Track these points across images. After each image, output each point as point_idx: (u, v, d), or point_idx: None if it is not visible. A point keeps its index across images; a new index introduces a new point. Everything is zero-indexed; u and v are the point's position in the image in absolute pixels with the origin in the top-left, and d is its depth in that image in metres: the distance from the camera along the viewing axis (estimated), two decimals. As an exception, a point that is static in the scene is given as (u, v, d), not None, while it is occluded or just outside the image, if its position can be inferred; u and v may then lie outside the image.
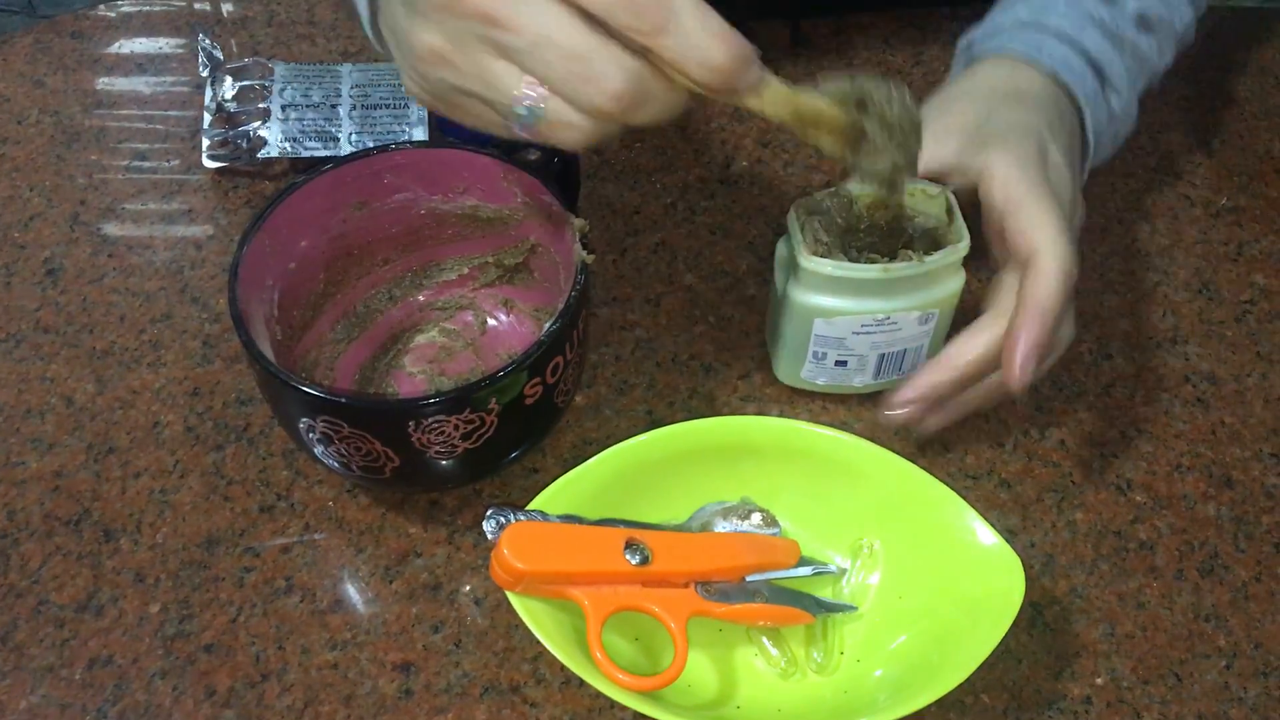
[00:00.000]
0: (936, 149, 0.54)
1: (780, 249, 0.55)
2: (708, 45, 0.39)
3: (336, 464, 0.50)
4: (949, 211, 0.54)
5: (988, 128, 0.55)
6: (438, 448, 0.48)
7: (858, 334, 0.54)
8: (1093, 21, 0.59)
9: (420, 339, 0.60)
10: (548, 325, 0.48)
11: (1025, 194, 0.52)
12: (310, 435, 0.49)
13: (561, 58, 0.39)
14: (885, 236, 0.54)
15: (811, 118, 0.44)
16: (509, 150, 0.55)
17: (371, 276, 0.59)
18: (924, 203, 0.55)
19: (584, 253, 0.51)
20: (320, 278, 0.57)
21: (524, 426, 0.51)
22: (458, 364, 0.59)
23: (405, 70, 0.45)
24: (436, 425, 0.47)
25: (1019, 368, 0.50)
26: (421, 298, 0.60)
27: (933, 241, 0.54)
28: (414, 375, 0.58)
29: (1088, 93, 0.58)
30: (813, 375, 0.57)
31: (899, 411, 0.53)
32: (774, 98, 0.42)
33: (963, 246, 0.53)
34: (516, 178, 0.54)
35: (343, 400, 0.47)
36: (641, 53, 0.39)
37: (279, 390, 0.48)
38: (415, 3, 0.41)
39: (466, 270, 0.60)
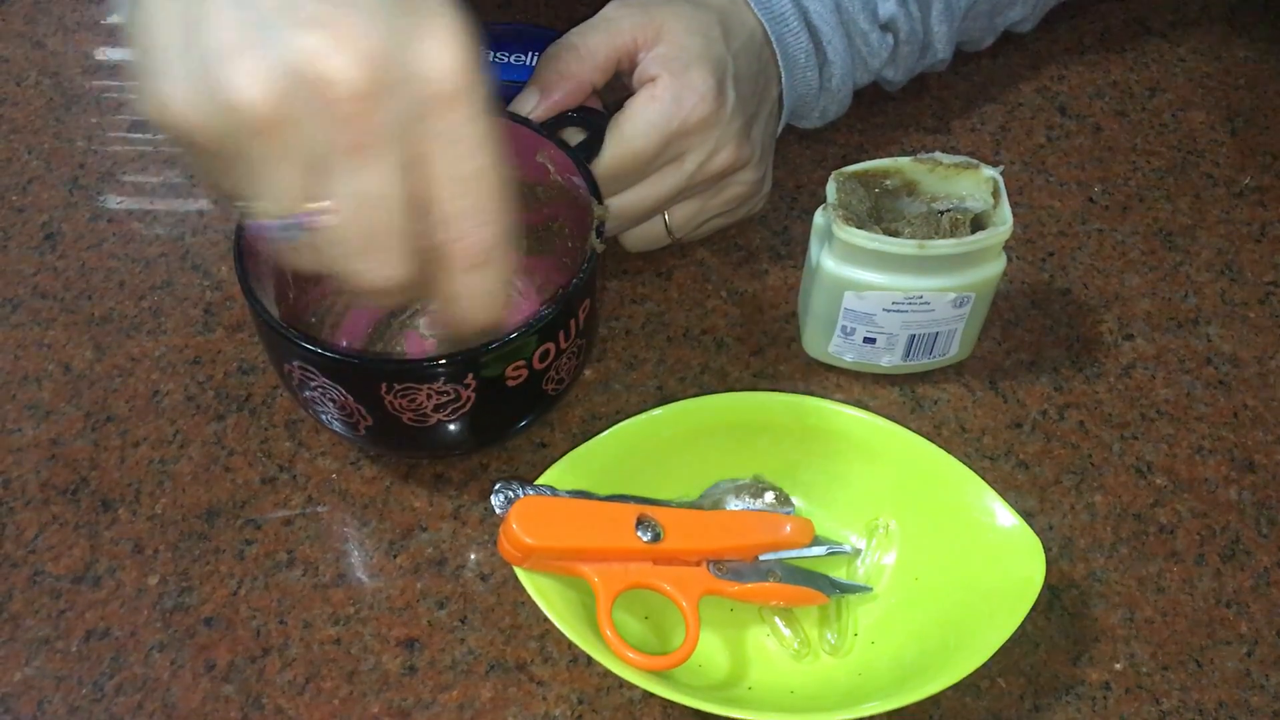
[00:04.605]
0: (614, 38, 0.55)
1: (818, 217, 0.54)
2: (488, 303, 0.40)
3: (320, 413, 0.50)
4: (995, 194, 0.53)
5: (684, 43, 0.55)
6: (410, 414, 0.47)
7: (888, 311, 0.53)
8: None
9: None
10: (540, 311, 0.47)
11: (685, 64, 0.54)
12: (292, 379, 0.48)
13: (368, 222, 0.36)
14: (924, 219, 0.53)
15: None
16: (553, 127, 0.54)
17: None
18: (972, 185, 0.53)
19: (597, 240, 0.49)
20: None
21: (507, 408, 0.50)
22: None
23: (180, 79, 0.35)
24: (408, 391, 0.46)
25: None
26: None
27: (978, 224, 0.53)
28: (425, 337, 0.57)
29: (798, 48, 0.59)
30: (840, 351, 0.56)
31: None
32: None
33: (1004, 230, 0.51)
34: (552, 154, 0.53)
35: (306, 345, 0.46)
36: (422, 258, 0.38)
37: (261, 328, 0.47)
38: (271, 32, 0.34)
39: None
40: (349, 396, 0.47)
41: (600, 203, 0.51)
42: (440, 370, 0.46)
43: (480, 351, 0.46)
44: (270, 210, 0.36)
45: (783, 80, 0.59)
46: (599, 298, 0.52)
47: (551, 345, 0.48)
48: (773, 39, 0.58)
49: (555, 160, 0.53)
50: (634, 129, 0.53)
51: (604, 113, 0.55)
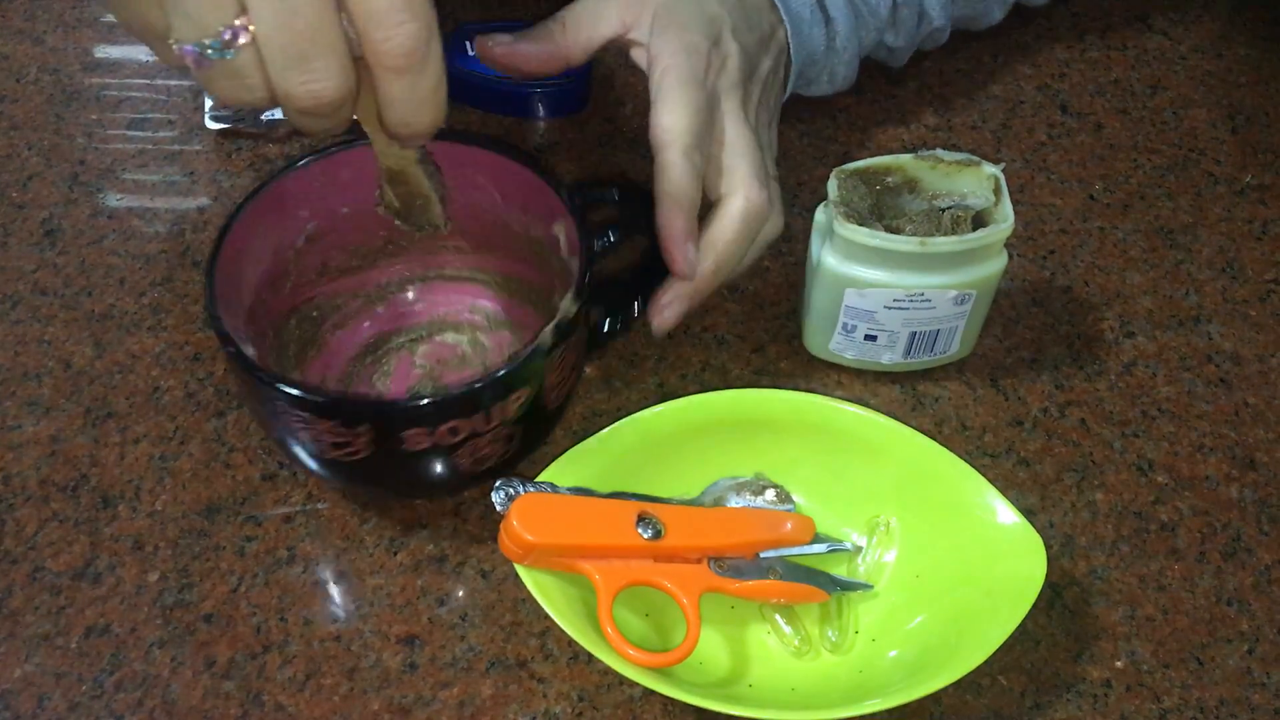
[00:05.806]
0: (623, 13, 0.55)
1: (819, 214, 0.54)
2: (428, 107, 0.38)
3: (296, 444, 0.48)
4: (996, 191, 0.53)
5: (675, 9, 0.54)
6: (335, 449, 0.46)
7: (889, 308, 0.53)
8: None
9: (449, 337, 0.57)
10: (470, 388, 0.45)
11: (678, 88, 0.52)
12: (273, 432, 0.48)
13: (294, 27, 0.34)
14: (926, 216, 0.53)
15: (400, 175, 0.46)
16: (582, 198, 0.52)
17: (439, 257, 0.57)
18: (973, 183, 0.53)
19: (549, 332, 0.46)
20: (380, 234, 0.55)
21: (405, 471, 0.49)
22: (457, 376, 0.56)
23: None
24: (304, 427, 0.46)
25: (664, 310, 0.53)
26: (454, 299, 0.58)
27: (979, 221, 0.53)
28: (416, 368, 0.56)
29: (802, 4, 0.59)
30: (841, 348, 0.56)
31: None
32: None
33: (1005, 228, 0.51)
34: (567, 229, 0.51)
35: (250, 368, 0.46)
36: (357, 66, 0.37)
37: (248, 390, 0.47)
38: None
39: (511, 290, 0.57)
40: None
41: (576, 299, 0.47)
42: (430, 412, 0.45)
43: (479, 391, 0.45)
44: (192, 31, 0.34)
45: (789, 40, 0.59)
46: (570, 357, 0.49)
47: (461, 422, 0.46)
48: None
49: (568, 236, 0.51)
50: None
51: (642, 186, 0.53)
